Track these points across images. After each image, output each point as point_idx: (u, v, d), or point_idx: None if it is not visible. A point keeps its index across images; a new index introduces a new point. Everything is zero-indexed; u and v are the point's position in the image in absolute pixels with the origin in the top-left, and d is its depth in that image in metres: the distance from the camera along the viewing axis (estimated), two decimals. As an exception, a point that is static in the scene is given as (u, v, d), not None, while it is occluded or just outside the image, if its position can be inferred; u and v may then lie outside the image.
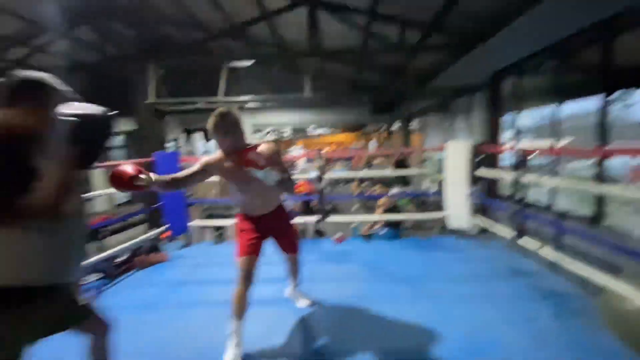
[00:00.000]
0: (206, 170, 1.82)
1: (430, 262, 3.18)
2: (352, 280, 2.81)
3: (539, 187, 2.86)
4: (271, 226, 1.98)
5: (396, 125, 10.92)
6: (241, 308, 1.80)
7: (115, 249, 3.16)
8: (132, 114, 5.32)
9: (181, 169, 3.71)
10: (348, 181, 11.79)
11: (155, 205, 3.85)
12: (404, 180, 5.87)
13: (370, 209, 7.36)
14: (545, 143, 3.27)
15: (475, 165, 3.70)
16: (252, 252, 1.87)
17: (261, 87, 6.53)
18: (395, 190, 5.73)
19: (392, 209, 4.22)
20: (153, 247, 3.63)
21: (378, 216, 4.14)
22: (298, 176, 5.82)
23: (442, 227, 4.33)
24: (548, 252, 2.73)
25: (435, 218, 4.26)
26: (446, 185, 3.90)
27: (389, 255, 3.42)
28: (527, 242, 2.94)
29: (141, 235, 3.68)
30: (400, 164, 5.96)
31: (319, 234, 4.82)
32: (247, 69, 6.36)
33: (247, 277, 1.82)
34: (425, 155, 7.63)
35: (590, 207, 2.76)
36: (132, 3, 5.13)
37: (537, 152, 2.95)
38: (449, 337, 1.94)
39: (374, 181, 7.34)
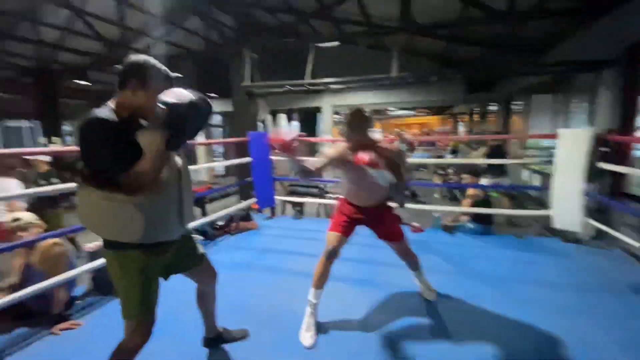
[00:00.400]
0: (331, 163, 1.95)
1: (524, 264, 2.83)
2: (429, 272, 2.69)
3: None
4: (370, 219, 2.04)
5: (492, 107, 9.70)
6: (321, 279, 1.93)
7: (215, 215, 3.64)
8: (230, 96, 5.92)
9: (269, 148, 4.02)
10: (431, 167, 11.12)
11: (246, 179, 4.27)
12: (499, 170, 5.23)
13: (455, 200, 6.86)
14: None
15: (598, 157, 3.06)
16: (342, 231, 1.98)
17: (346, 67, 6.47)
18: (487, 180, 5.19)
19: (483, 201, 3.82)
20: (245, 215, 4.07)
21: (465, 208, 3.81)
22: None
23: (543, 227, 3.78)
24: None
25: (535, 215, 3.73)
26: (555, 179, 3.33)
27: (475, 251, 3.16)
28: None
29: (235, 205, 4.16)
30: (496, 150, 5.30)
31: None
32: (333, 50, 6.36)
33: (332, 253, 1.94)
34: (529, 143, 6.64)
35: None
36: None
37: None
38: (533, 351, 1.73)
39: (461, 169, 6.75)
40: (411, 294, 2.32)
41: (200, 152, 11.80)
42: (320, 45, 5.76)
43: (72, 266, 2.22)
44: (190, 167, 1.51)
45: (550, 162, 3.38)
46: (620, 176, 3.32)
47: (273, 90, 5.66)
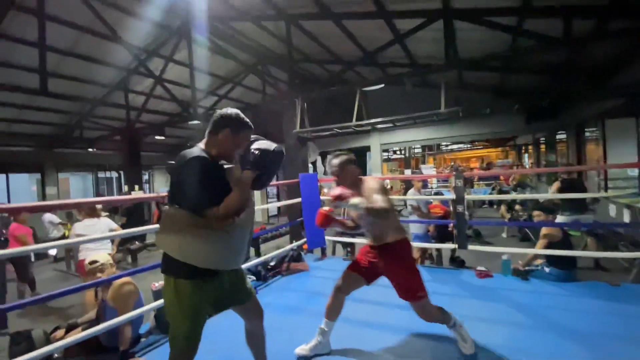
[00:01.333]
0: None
1: (618, 316, 2.33)
2: (500, 324, 2.36)
3: None
4: (379, 261, 2.04)
5: (561, 135, 8.84)
6: (331, 311, 2.09)
7: (268, 256, 3.72)
8: (284, 142, 6.34)
9: (319, 187, 4.10)
10: (495, 204, 10.20)
11: (297, 220, 4.36)
12: (578, 206, 4.61)
13: (526, 240, 6.12)
14: None
15: None
16: (356, 269, 2.10)
17: (393, 106, 6.57)
18: (564, 218, 4.59)
19: (561, 242, 3.33)
20: (296, 256, 4.09)
21: (539, 250, 3.35)
22: (431, 198, 5.47)
23: (642, 272, 3.16)
24: None
25: (629, 258, 3.13)
26: (649, 215, 2.82)
27: (554, 301, 2.71)
28: None
29: (287, 245, 4.22)
30: (570, 183, 4.72)
31: (458, 263, 4.32)
32: (380, 91, 6.55)
33: (340, 288, 2.09)
34: (613, 173, 5.81)
35: None
36: (283, 49, 6.16)
37: None
38: None
39: (531, 206, 6.10)
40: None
41: (256, 194, 12.53)
42: (367, 88, 5.98)
43: (140, 305, 2.41)
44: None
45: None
46: None
47: (324, 134, 5.93)
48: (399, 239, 2.00)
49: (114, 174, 13.65)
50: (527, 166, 14.47)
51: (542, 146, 11.42)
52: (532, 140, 12.45)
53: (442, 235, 4.79)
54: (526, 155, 15.63)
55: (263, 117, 7.98)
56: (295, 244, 4.34)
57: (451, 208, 4.59)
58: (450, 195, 3.63)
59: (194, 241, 1.31)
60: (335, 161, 2.08)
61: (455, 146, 18.22)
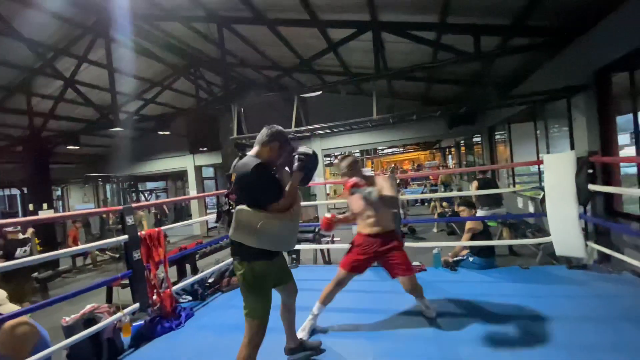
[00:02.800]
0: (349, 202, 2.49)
1: (534, 297, 2.67)
2: (438, 316, 2.52)
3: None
4: (382, 247, 2.32)
5: (477, 138, 10.01)
6: (326, 298, 2.36)
7: (205, 273, 3.46)
8: (220, 148, 6.04)
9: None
10: (425, 202, 11.10)
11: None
12: (493, 201, 5.22)
13: (453, 234, 6.73)
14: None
15: (586, 179, 3.07)
16: (353, 269, 2.35)
17: (331, 113, 6.73)
18: (483, 212, 5.14)
19: (482, 233, 3.73)
20: (237, 270, 3.88)
21: (465, 242, 3.70)
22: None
23: (547, 254, 3.66)
24: None
25: (536, 244, 3.63)
26: (547, 204, 3.30)
27: (482, 288, 2.99)
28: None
29: (227, 259, 3.98)
30: (486, 181, 5.34)
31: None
32: (317, 98, 6.65)
33: (339, 283, 2.36)
34: (519, 170, 6.73)
35: None
36: (217, 54, 5.91)
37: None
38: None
39: (456, 202, 6.73)
40: (408, 342, 2.13)
41: (194, 206, 11.71)
42: (305, 95, 6.03)
43: (43, 346, 2.02)
44: (183, 223, 2.01)
45: (540, 188, 3.38)
46: (611, 196, 3.30)
47: (261, 140, 5.78)
48: (395, 228, 2.43)
49: (16, 191, 11.61)
50: (451, 166, 16.07)
51: (463, 148, 12.83)
52: (454, 143, 13.93)
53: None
54: (450, 156, 17.39)
55: (197, 123, 7.52)
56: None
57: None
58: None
59: (265, 230, 1.63)
60: (344, 164, 2.36)
61: (389, 150, 19.44)
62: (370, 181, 2.31)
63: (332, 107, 8.20)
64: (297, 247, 4.53)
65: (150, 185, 17.17)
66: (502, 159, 7.73)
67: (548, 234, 3.34)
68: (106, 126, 6.61)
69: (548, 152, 4.99)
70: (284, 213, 1.68)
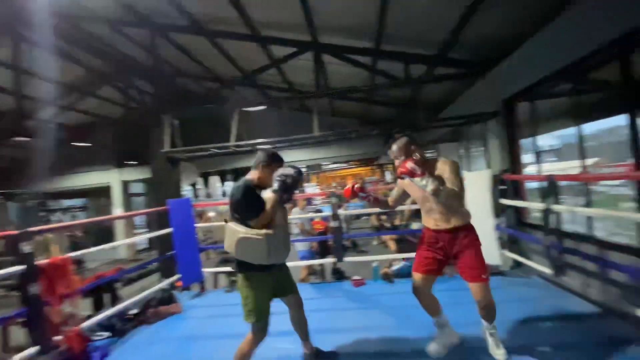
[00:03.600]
0: (403, 189, 2.14)
1: (461, 303, 2.85)
2: (374, 330, 2.54)
3: (573, 214, 2.60)
4: (451, 243, 1.97)
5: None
6: (429, 309, 2.11)
7: (126, 303, 3.05)
8: (150, 162, 5.51)
9: (194, 215, 3.70)
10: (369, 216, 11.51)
11: (168, 253, 3.78)
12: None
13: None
14: (571, 164, 3.06)
15: (499, 194, 3.47)
16: (422, 270, 2.02)
17: (274, 129, 6.69)
18: (417, 225, 5.46)
19: (405, 241, 3.95)
20: (167, 297, 3.50)
21: (398, 254, 3.87)
22: (313, 215, 5.73)
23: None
24: (595, 291, 2.41)
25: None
26: (470, 218, 3.64)
27: (413, 299, 3.12)
28: (569, 278, 2.62)
29: (154, 286, 3.58)
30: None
31: (340, 275, 4.57)
32: (260, 113, 6.57)
33: (415, 289, 2.06)
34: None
35: (634, 233, 2.46)
36: (150, 61, 5.51)
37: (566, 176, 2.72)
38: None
39: (395, 216, 7.09)
40: (356, 362, 2.11)
41: (119, 223, 10.49)
42: (247, 109, 5.91)
43: None
44: (108, 245, 1.96)
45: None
46: (521, 209, 3.78)
47: (200, 154, 5.45)
48: (469, 222, 2.00)
49: None
50: (389, 182, 17.04)
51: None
52: (391, 160, 14.90)
53: (324, 250, 5.02)
54: (387, 172, 18.48)
55: (125, 134, 6.84)
56: (165, 282, 3.75)
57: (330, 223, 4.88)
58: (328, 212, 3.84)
59: (243, 244, 1.78)
60: (394, 148, 1.98)
61: (334, 165, 19.97)
62: (429, 166, 1.92)
63: (275, 123, 8.17)
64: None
65: (67, 203, 14.99)
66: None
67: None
68: (12, 134, 5.63)
69: (470, 170, 5.57)
70: (260, 228, 1.79)
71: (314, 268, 4.93)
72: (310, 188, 14.56)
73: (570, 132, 3.42)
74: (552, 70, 3.16)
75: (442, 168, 1.91)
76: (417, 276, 2.02)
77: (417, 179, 1.83)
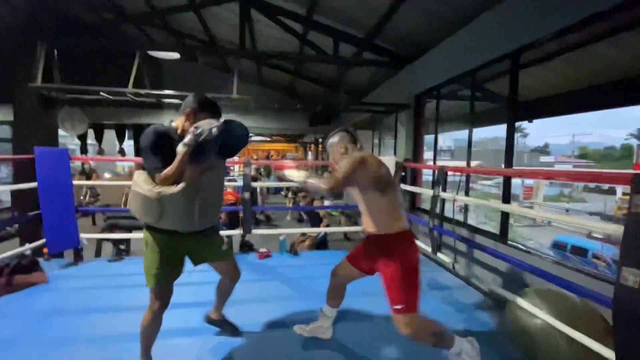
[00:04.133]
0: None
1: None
2: (275, 301, 2.56)
3: (455, 203, 3.02)
4: (371, 255, 1.75)
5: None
6: (330, 296, 2.00)
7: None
8: (12, 98, 4.27)
9: (79, 173, 3.05)
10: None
11: (31, 214, 3.08)
12: (336, 193, 5.86)
13: (302, 221, 7.25)
14: (460, 164, 3.53)
15: (400, 180, 3.81)
16: (352, 259, 1.87)
17: (188, 83, 5.95)
18: (329, 202, 5.68)
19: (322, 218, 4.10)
20: (29, 265, 2.87)
21: (307, 229, 3.97)
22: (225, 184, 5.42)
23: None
24: (461, 267, 2.87)
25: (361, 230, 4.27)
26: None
27: (316, 271, 3.26)
28: (443, 256, 3.07)
29: (10, 251, 2.89)
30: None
31: (248, 247, 4.46)
32: (172, 64, 5.74)
33: (335, 272, 1.94)
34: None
35: (498, 222, 3.00)
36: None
37: (456, 171, 3.12)
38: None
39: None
40: (249, 332, 2.08)
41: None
42: (157, 54, 5.07)
43: None
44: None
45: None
46: (415, 195, 4.24)
47: (87, 97, 4.47)
48: (397, 232, 1.61)
49: None
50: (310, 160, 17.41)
51: (320, 146, 14.08)
52: (314, 140, 15.13)
53: (233, 222, 4.83)
54: (309, 152, 18.82)
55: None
56: (26, 247, 3.07)
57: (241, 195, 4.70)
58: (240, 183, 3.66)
59: (133, 197, 1.56)
60: (332, 140, 1.88)
61: (257, 138, 19.29)
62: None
63: (190, 78, 7.30)
64: (127, 235, 3.82)
65: None
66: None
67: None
68: None
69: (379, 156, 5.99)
70: (165, 187, 1.50)
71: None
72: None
73: (463, 135, 3.91)
74: (455, 73, 3.53)
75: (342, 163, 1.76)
76: (344, 261, 1.87)
77: (282, 173, 1.74)
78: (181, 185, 1.51)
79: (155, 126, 1.55)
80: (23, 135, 4.37)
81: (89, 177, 8.80)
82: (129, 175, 9.83)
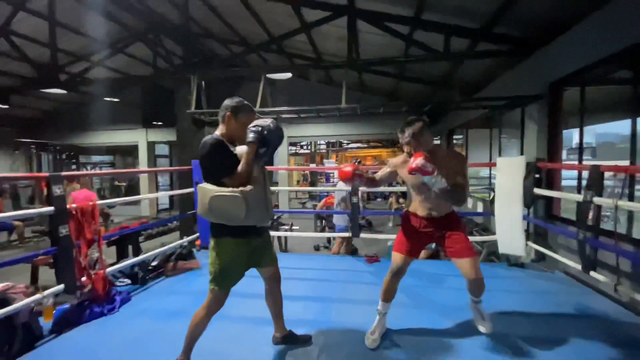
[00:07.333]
0: (394, 171, 2.09)
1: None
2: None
3: (614, 212, 2.40)
4: (437, 230, 1.97)
5: (436, 140, 10.43)
6: (387, 293, 2.03)
7: (147, 255, 3.18)
8: (176, 122, 5.55)
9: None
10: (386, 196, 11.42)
11: (188, 213, 3.87)
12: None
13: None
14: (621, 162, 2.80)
15: (532, 184, 3.27)
16: (406, 251, 1.98)
17: (299, 99, 6.55)
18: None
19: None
20: (187, 253, 3.62)
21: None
22: (330, 189, 5.68)
23: (490, 252, 3.88)
24: (625, 290, 2.26)
25: (481, 241, 3.83)
26: (496, 205, 3.47)
27: (429, 280, 3.09)
28: (598, 275, 2.48)
29: (174, 242, 3.70)
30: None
31: (353, 251, 4.56)
32: (286, 82, 6.41)
33: (395, 272, 1.99)
34: (470, 173, 7.11)
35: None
36: (180, 20, 5.42)
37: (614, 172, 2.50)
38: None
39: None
40: (357, 332, 2.11)
41: (143, 183, 10.88)
42: (272, 76, 5.77)
43: None
44: (123, 199, 1.81)
45: (489, 190, 3.53)
46: (552, 200, 3.57)
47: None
48: (453, 210, 2.02)
49: None
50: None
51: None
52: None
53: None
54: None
55: (153, 93, 6.90)
56: (185, 239, 3.86)
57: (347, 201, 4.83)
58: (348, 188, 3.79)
59: (215, 204, 1.59)
60: (408, 131, 1.87)
61: (355, 145, 19.72)
62: (437, 156, 1.82)
63: (301, 94, 8.00)
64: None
65: (95, 158, 15.66)
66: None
67: (493, 234, 3.53)
68: (44, 85, 5.79)
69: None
70: (237, 186, 1.60)
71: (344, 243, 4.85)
72: (330, 164, 14.64)
73: (609, 129, 3.11)
74: (608, 52, 2.84)
75: (452, 161, 1.89)
76: (397, 256, 1.99)
77: (427, 177, 1.74)
78: (253, 183, 1.62)
79: (208, 138, 1.65)
80: (181, 152, 5.59)
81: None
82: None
